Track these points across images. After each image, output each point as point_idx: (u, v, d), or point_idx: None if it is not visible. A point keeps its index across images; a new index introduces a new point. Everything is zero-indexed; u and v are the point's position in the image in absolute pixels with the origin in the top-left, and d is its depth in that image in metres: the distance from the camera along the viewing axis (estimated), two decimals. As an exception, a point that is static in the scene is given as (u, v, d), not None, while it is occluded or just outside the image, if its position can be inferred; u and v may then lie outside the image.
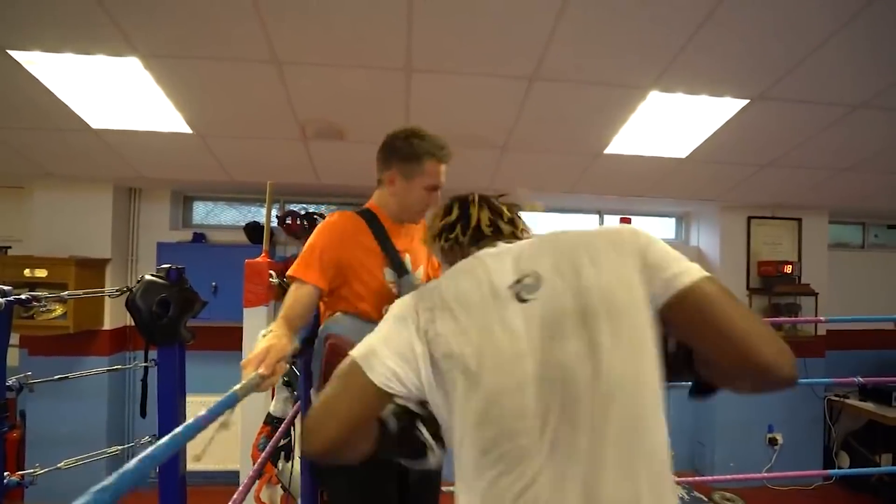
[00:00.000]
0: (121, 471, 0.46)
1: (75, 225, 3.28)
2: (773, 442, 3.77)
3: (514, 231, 0.92)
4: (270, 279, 1.59)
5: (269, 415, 1.79)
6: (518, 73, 2.12)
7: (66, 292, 2.23)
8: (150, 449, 0.53)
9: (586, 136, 2.68)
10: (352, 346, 0.80)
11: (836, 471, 3.53)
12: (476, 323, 0.74)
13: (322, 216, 3.56)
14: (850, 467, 3.67)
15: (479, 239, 0.89)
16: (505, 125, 2.54)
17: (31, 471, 1.73)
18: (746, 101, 2.31)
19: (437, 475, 1.46)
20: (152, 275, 1.35)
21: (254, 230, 3.57)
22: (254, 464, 1.57)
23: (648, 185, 3.32)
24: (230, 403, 0.77)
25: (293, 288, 1.31)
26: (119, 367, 3.10)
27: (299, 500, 1.75)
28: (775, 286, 3.70)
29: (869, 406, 3.58)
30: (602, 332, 0.69)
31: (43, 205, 3.27)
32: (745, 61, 2.04)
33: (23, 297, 1.46)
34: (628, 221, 3.83)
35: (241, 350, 1.54)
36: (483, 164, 2.94)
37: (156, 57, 2.00)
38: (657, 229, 4.28)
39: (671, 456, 0.70)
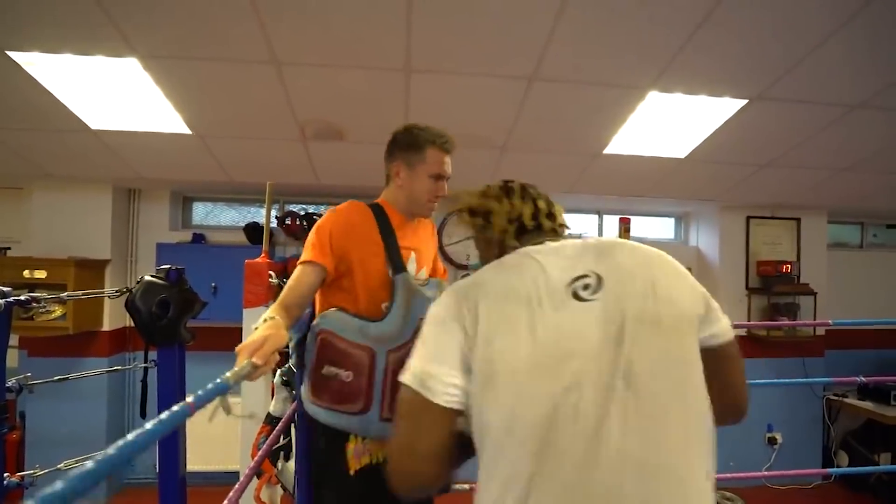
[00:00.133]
0: (99, 458, 0.44)
1: (74, 226, 3.28)
2: (772, 441, 3.78)
3: (554, 226, 0.90)
4: (270, 280, 1.59)
5: (269, 415, 1.79)
6: (517, 74, 2.12)
7: (66, 293, 2.24)
8: (130, 435, 0.50)
9: (585, 136, 2.68)
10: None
11: (835, 470, 3.54)
12: (526, 320, 0.71)
13: (321, 217, 3.55)
14: (849, 466, 3.67)
15: (523, 233, 0.88)
16: (504, 125, 2.54)
17: (31, 472, 1.73)
18: (745, 102, 2.31)
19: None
20: (152, 275, 1.36)
21: (253, 231, 3.56)
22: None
23: (648, 185, 3.32)
24: (221, 391, 0.74)
25: (298, 269, 1.30)
26: (119, 367, 3.09)
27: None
28: (774, 286, 3.70)
29: (868, 405, 3.58)
30: (670, 341, 0.72)
31: (42, 206, 3.26)
32: (743, 61, 2.04)
33: (22, 298, 1.46)
34: (628, 221, 3.83)
35: (240, 351, 1.54)
36: (482, 164, 2.94)
37: (155, 57, 2.00)
38: (657, 229, 4.28)
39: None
